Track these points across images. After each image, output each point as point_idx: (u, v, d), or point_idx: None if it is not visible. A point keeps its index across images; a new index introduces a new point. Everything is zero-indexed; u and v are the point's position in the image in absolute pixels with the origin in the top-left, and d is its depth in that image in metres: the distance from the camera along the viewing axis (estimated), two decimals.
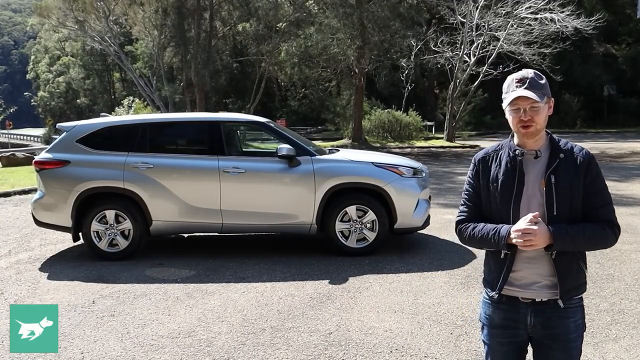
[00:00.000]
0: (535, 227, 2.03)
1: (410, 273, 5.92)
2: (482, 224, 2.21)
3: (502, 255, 2.17)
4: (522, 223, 2.05)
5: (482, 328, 2.36)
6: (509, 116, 2.16)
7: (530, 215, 2.05)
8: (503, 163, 2.19)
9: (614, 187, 12.12)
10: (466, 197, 2.32)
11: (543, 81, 2.13)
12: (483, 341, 2.37)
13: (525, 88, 2.09)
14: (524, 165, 2.15)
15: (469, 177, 2.32)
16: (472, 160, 2.33)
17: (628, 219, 8.53)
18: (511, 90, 2.12)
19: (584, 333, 2.27)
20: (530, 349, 2.31)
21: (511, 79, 2.16)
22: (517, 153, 2.16)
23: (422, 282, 5.59)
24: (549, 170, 2.12)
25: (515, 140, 2.22)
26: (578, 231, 2.08)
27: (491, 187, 2.21)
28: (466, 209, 2.31)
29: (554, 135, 2.22)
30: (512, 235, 2.06)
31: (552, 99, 2.18)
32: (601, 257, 6.31)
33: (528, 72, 2.14)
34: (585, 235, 2.09)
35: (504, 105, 2.15)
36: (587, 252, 2.24)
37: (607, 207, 2.17)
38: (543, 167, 2.14)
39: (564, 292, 2.13)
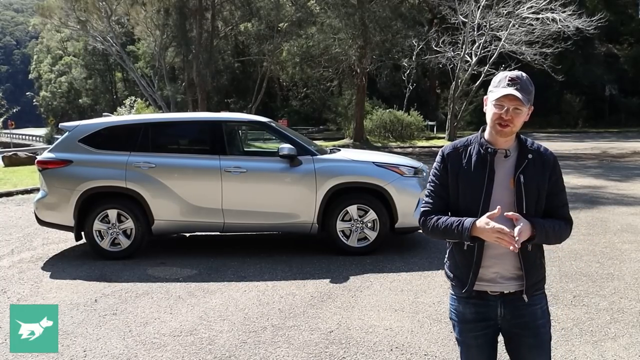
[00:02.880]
0: (520, 226, 2.06)
1: (410, 272, 5.95)
2: (446, 217, 2.23)
3: (465, 247, 2.21)
4: (495, 223, 2.05)
5: (454, 326, 2.39)
6: (489, 110, 2.18)
7: (496, 211, 2.07)
8: (473, 159, 2.21)
9: (615, 187, 12.14)
10: (432, 188, 2.31)
11: (532, 88, 2.17)
12: (457, 339, 2.40)
13: (516, 89, 2.11)
14: (495, 163, 2.19)
15: (436, 169, 2.31)
16: (440, 153, 2.33)
17: (629, 218, 8.55)
18: (502, 86, 2.14)
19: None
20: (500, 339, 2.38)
21: (504, 75, 2.17)
22: (489, 151, 2.19)
23: (422, 281, 5.61)
24: (518, 170, 2.17)
25: (486, 135, 2.25)
26: (550, 226, 2.17)
27: (460, 182, 2.22)
28: (432, 201, 2.30)
29: (521, 136, 2.27)
30: (493, 236, 2.06)
31: (532, 107, 2.21)
32: (601, 257, 6.32)
33: (522, 75, 2.17)
34: (555, 230, 2.18)
35: (489, 98, 2.18)
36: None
37: (566, 206, 2.28)
38: (512, 167, 2.19)
39: (528, 286, 2.21)
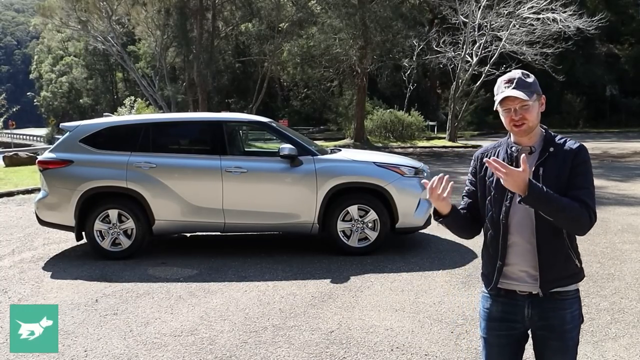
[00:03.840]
0: (511, 169, 2.01)
1: (411, 272, 5.95)
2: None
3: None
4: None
5: (480, 324, 2.40)
6: (502, 116, 2.23)
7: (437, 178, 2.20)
8: (500, 159, 2.23)
9: (616, 187, 12.13)
10: (465, 192, 2.43)
11: (531, 80, 2.18)
12: (481, 337, 2.40)
13: (513, 88, 2.14)
14: (519, 161, 2.17)
15: (470, 173, 2.42)
16: (473, 157, 2.42)
17: (629, 218, 8.55)
18: (500, 91, 2.19)
19: (582, 326, 2.31)
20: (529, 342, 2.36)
21: (500, 80, 2.22)
22: (513, 150, 2.24)
23: (423, 281, 5.61)
24: (537, 163, 2.18)
25: (512, 138, 2.29)
26: (555, 196, 2.05)
27: (487, 182, 2.29)
28: (463, 203, 2.41)
29: (551, 132, 2.27)
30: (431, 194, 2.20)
31: (543, 96, 2.23)
32: (602, 257, 6.32)
33: (516, 73, 2.20)
34: (562, 202, 2.05)
35: (496, 106, 2.22)
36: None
37: (588, 190, 2.14)
38: (534, 161, 2.20)
39: (543, 282, 2.18)
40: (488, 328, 2.34)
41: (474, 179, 2.38)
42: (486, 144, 2.63)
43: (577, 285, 2.27)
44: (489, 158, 2.22)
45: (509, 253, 2.23)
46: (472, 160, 2.42)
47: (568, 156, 2.17)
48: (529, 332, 2.31)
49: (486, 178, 2.30)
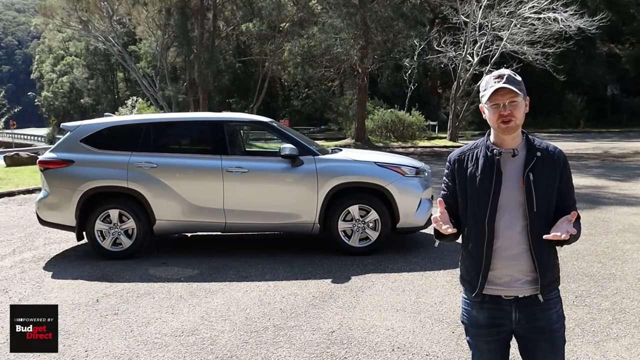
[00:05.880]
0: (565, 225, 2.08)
1: (412, 272, 5.94)
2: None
3: (470, 247, 2.24)
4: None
5: (466, 329, 2.37)
6: (488, 113, 2.18)
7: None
8: (480, 162, 2.21)
9: (617, 187, 12.13)
10: (442, 198, 2.33)
11: (519, 78, 2.18)
12: (468, 342, 2.38)
13: (504, 82, 2.12)
14: (502, 164, 2.18)
15: (445, 176, 2.33)
16: (447, 160, 2.34)
17: (630, 218, 8.54)
18: (489, 86, 2.15)
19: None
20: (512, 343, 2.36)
21: (488, 77, 2.20)
22: (494, 152, 2.18)
23: (424, 281, 5.61)
24: (527, 168, 2.16)
25: (492, 138, 2.24)
26: (578, 226, 2.15)
27: (468, 186, 2.22)
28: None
29: (529, 135, 2.26)
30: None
31: (528, 97, 2.21)
32: (603, 257, 6.31)
33: (504, 70, 2.19)
34: (580, 226, 2.17)
35: (483, 101, 2.18)
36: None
37: (575, 204, 2.27)
38: (521, 165, 2.17)
39: (543, 286, 2.19)
40: (476, 335, 2.32)
41: (451, 184, 2.31)
42: None
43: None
44: (467, 162, 2.24)
45: (494, 258, 2.19)
46: (447, 164, 2.33)
47: (557, 164, 2.19)
48: (513, 333, 2.30)
49: (467, 181, 2.23)
